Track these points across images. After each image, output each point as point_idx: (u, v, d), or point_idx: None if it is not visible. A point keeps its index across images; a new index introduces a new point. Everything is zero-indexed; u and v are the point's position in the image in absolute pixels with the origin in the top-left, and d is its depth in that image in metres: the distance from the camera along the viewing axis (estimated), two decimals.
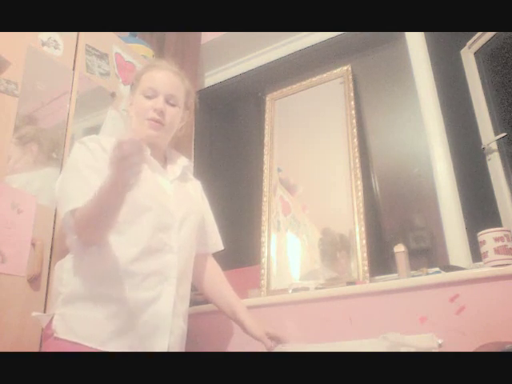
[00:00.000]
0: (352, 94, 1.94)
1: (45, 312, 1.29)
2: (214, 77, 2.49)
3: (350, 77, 1.99)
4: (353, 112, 1.90)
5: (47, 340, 1.07)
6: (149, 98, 1.21)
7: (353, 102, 1.92)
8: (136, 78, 1.28)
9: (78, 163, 1.09)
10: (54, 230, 1.42)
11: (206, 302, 1.68)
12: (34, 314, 1.13)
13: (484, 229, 1.39)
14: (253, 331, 1.30)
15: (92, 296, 1.04)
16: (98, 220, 0.98)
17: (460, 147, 1.73)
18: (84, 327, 1.03)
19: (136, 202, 1.06)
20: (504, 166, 1.61)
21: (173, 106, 1.23)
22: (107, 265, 1.05)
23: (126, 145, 0.79)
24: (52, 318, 1.07)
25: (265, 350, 1.28)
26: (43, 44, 1.55)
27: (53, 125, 1.53)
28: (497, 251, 1.34)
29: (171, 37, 2.28)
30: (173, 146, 1.55)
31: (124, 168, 0.82)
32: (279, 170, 2.03)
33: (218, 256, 1.49)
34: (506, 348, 1.02)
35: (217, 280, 1.41)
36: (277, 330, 1.36)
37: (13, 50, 1.43)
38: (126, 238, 1.07)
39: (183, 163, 1.34)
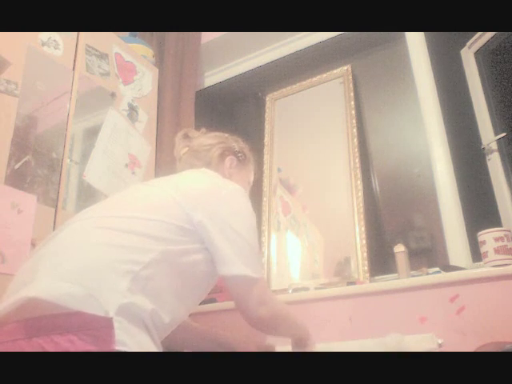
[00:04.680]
0: (352, 94, 1.94)
1: None
2: (214, 77, 2.49)
3: (350, 77, 2.00)
4: (353, 112, 1.90)
5: None
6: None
7: (353, 102, 1.92)
8: (248, 158, 1.33)
9: (255, 228, 1.07)
10: (53, 230, 1.42)
11: (206, 302, 1.68)
12: None
13: (484, 229, 1.39)
14: (245, 349, 1.25)
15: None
16: (279, 332, 1.16)
17: (460, 147, 1.73)
18: None
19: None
20: (504, 166, 1.61)
21: None
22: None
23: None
24: None
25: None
26: (43, 44, 1.55)
27: (53, 125, 1.53)
28: (497, 251, 1.34)
29: (171, 37, 2.28)
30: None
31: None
32: (279, 170, 2.03)
33: None
34: (506, 348, 1.02)
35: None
36: None
37: (13, 50, 1.43)
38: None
39: None
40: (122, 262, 0.83)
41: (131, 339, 0.77)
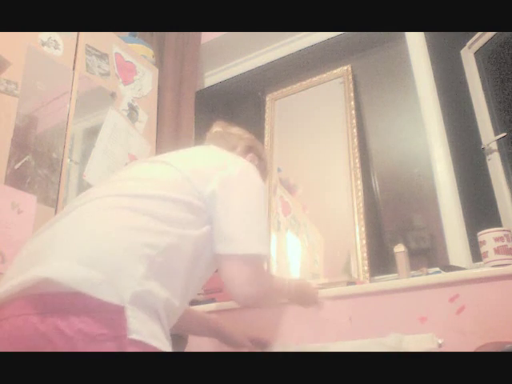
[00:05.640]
0: (352, 94, 1.94)
1: None
2: (214, 77, 2.49)
3: (350, 77, 2.00)
4: (353, 112, 1.90)
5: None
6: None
7: (353, 102, 1.92)
8: (263, 173, 1.32)
9: (262, 206, 1.05)
10: None
11: (206, 302, 1.68)
12: None
13: (484, 229, 1.39)
14: (235, 338, 1.26)
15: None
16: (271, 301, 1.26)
17: (460, 147, 1.73)
18: None
19: None
20: (504, 165, 1.61)
21: None
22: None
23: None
24: None
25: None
26: (43, 44, 1.55)
27: (53, 125, 1.53)
28: (497, 251, 1.34)
29: (171, 37, 2.28)
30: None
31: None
32: (279, 170, 2.03)
33: None
34: (506, 348, 1.02)
35: None
36: (276, 330, 1.35)
37: (13, 50, 1.43)
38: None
39: None
40: (140, 246, 0.81)
41: (145, 328, 0.76)
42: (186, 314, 1.18)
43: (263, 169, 1.32)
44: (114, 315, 0.74)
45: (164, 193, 0.91)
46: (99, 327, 0.72)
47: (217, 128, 1.30)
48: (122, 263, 0.78)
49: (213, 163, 1.01)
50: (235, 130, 1.30)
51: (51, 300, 0.74)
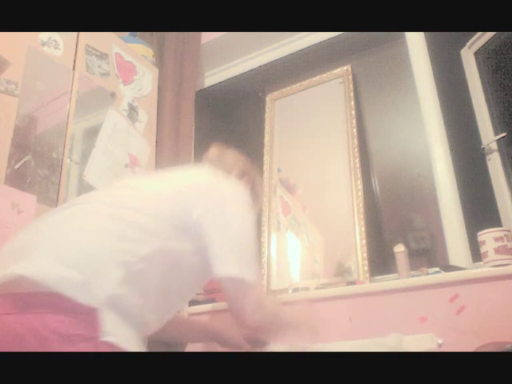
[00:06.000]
0: (352, 94, 1.94)
1: None
2: (214, 77, 2.49)
3: (350, 77, 2.00)
4: (353, 112, 1.90)
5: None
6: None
7: (353, 102, 1.92)
8: (255, 201, 1.32)
9: (252, 231, 1.07)
10: None
11: (206, 302, 1.68)
12: None
13: (484, 229, 1.39)
14: (234, 340, 1.27)
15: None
16: (275, 334, 1.21)
17: (460, 147, 1.73)
18: None
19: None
20: (504, 165, 1.61)
21: None
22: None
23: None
24: None
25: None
26: (43, 44, 1.55)
27: (53, 125, 1.53)
28: (497, 251, 1.34)
29: (171, 37, 2.28)
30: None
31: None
32: (279, 170, 2.03)
33: None
34: (506, 348, 1.02)
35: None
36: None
37: (13, 50, 1.43)
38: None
39: None
40: (120, 252, 0.84)
41: (118, 331, 0.77)
42: (182, 322, 1.24)
43: (256, 193, 1.34)
44: (88, 317, 0.75)
45: (152, 209, 0.94)
46: (74, 328, 0.73)
47: (214, 150, 1.33)
48: (102, 267, 0.80)
49: (206, 184, 1.05)
50: (232, 154, 1.33)
51: (29, 299, 0.76)
